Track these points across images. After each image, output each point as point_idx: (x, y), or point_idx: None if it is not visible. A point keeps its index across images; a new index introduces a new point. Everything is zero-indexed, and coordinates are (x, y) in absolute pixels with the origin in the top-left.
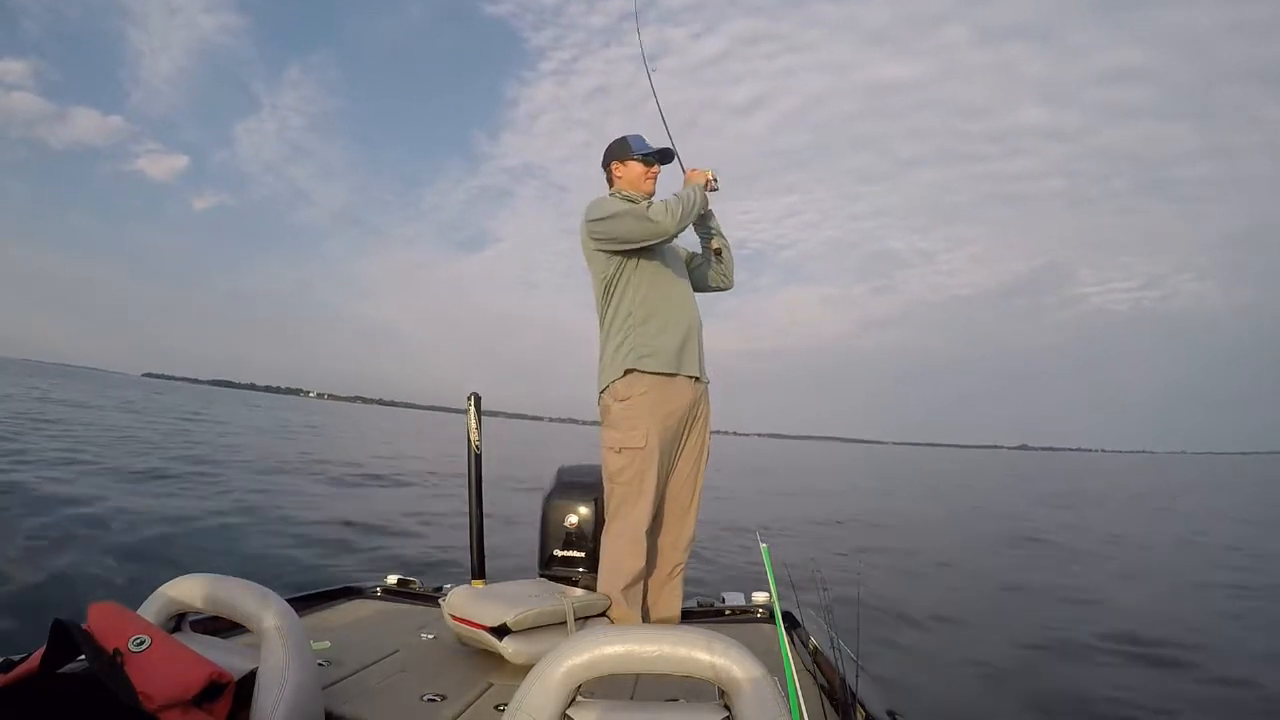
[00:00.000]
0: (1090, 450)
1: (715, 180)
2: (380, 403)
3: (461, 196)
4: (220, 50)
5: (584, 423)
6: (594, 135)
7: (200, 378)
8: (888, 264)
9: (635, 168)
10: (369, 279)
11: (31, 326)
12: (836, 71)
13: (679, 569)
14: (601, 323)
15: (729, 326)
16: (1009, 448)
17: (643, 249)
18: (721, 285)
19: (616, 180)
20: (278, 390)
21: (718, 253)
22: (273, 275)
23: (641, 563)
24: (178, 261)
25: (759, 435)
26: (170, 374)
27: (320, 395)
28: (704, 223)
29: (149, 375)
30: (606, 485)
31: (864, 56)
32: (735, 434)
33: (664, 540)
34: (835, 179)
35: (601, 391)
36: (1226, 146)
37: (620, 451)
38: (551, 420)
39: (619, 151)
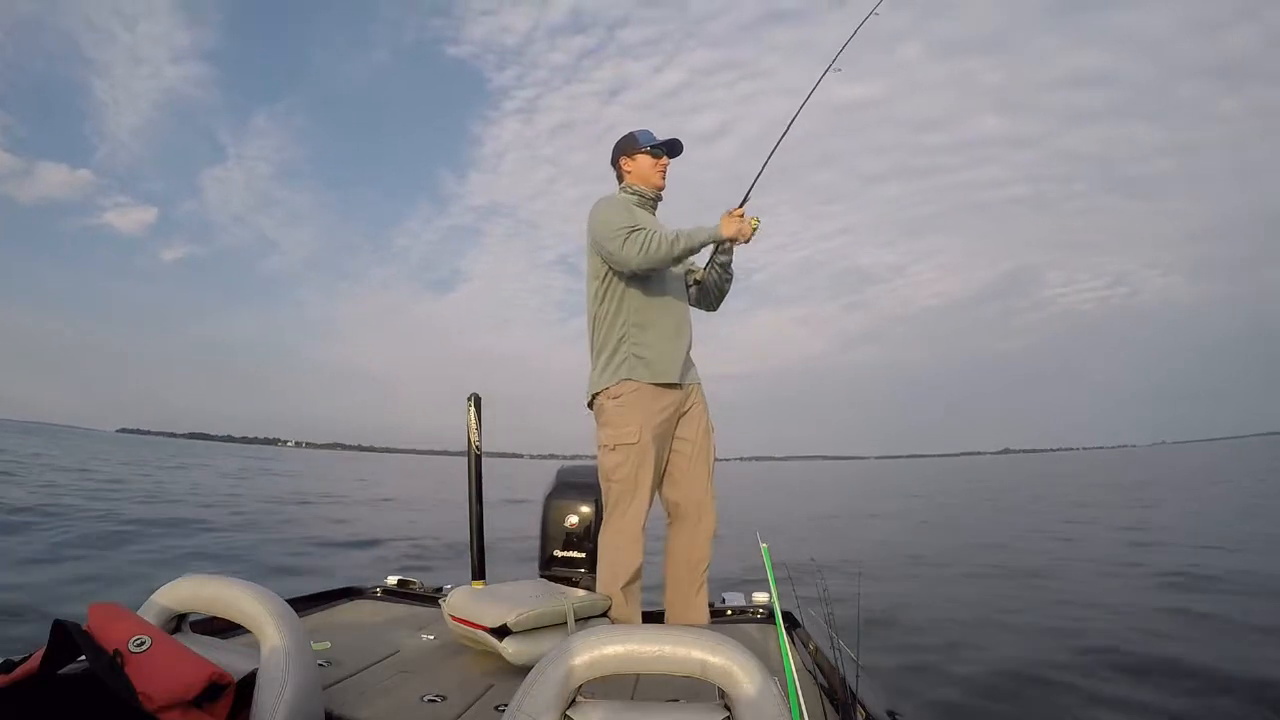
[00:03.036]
0: (1072, 449)
1: (754, 231)
2: (359, 449)
3: (431, 237)
4: (186, 100)
5: (565, 457)
6: (560, 171)
7: (177, 431)
8: (858, 280)
9: (644, 161)
10: (343, 324)
11: (2, 384)
12: (795, 94)
13: (704, 566)
14: (595, 323)
15: (704, 350)
16: (991, 453)
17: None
18: (702, 308)
19: (626, 175)
20: (255, 441)
21: (697, 282)
22: (246, 325)
23: (640, 560)
24: (150, 315)
25: (740, 459)
26: (146, 429)
27: (298, 444)
28: (715, 257)
29: (124, 431)
30: (603, 484)
31: (822, 78)
32: (716, 460)
33: (685, 540)
34: (800, 199)
35: (595, 394)
36: (1186, 142)
37: (615, 448)
38: (532, 457)
39: (627, 146)
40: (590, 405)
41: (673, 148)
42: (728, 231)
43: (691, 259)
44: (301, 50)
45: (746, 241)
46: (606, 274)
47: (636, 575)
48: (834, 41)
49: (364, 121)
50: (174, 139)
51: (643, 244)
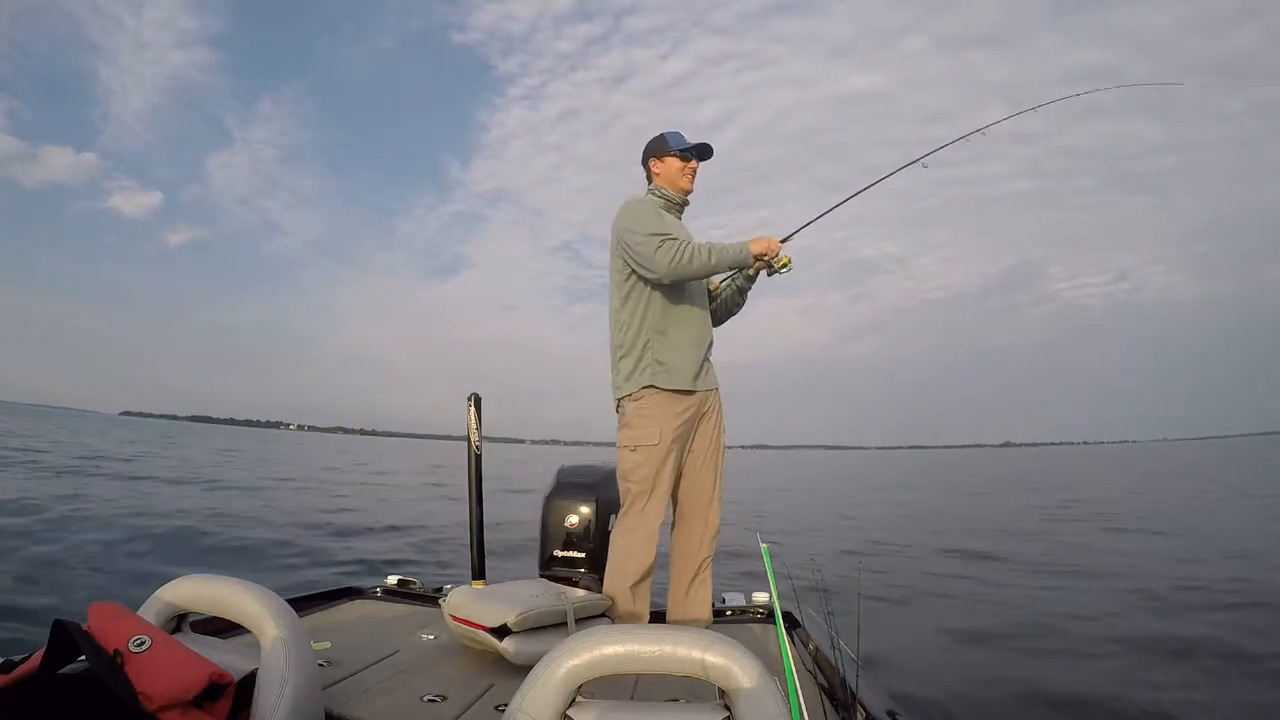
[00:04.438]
0: (1073, 443)
1: (781, 266)
2: (362, 432)
3: (435, 223)
4: (192, 85)
5: (566, 443)
6: (565, 158)
7: (179, 414)
8: (862, 272)
9: (672, 163)
10: (347, 308)
11: (7, 367)
12: (801, 85)
13: (706, 563)
14: (618, 326)
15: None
16: (993, 445)
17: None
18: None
19: (655, 176)
20: (258, 424)
21: (710, 294)
22: (251, 308)
23: (652, 558)
24: (155, 298)
25: (743, 447)
26: (149, 411)
27: (301, 427)
28: (736, 278)
29: (127, 414)
30: (621, 484)
31: (827, 69)
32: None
33: (690, 538)
34: (804, 190)
35: (618, 400)
36: (1190, 140)
37: (635, 450)
38: (533, 442)
39: (656, 148)
40: (617, 409)
41: (702, 151)
42: (757, 249)
43: None
44: (307, 35)
45: (770, 273)
46: (631, 277)
47: (648, 573)
48: (837, 33)
49: (369, 107)
50: (179, 123)
51: (676, 254)
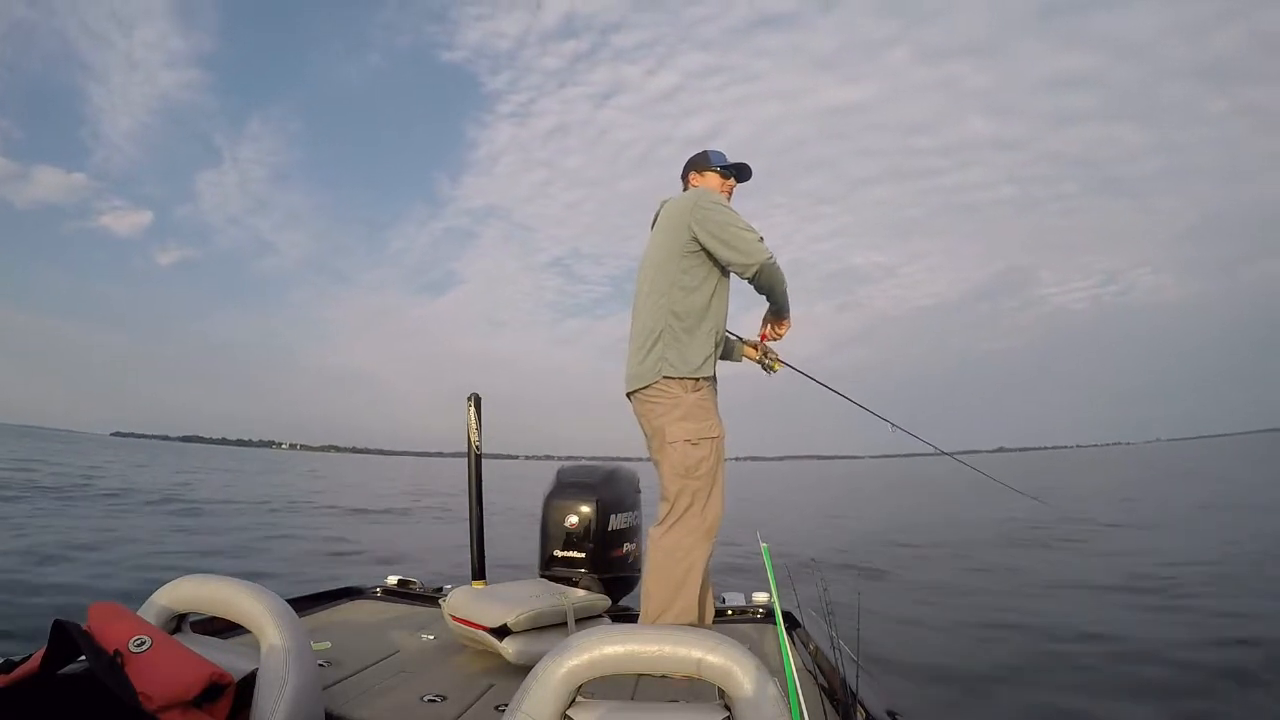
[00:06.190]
0: (1065, 447)
1: (773, 362)
2: (354, 450)
3: (425, 240)
4: (181, 105)
5: (560, 458)
6: (554, 174)
7: (171, 434)
8: (849, 281)
9: (712, 179)
10: (339, 325)
11: None
12: (786, 98)
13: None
14: (675, 312)
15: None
16: (986, 451)
17: (729, 271)
18: None
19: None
20: (250, 444)
21: None
22: (241, 327)
23: (708, 558)
24: (146, 317)
25: (735, 459)
26: (140, 432)
27: (293, 446)
28: (730, 353)
29: (118, 434)
30: (676, 482)
31: (813, 82)
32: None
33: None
34: (792, 202)
35: (668, 377)
36: (1173, 143)
37: (698, 443)
38: (526, 458)
39: (699, 162)
40: (634, 392)
41: (741, 172)
42: (790, 317)
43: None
44: (297, 55)
45: (763, 361)
46: (699, 253)
47: (707, 574)
48: (822, 46)
49: (359, 125)
50: (169, 143)
51: (772, 253)
